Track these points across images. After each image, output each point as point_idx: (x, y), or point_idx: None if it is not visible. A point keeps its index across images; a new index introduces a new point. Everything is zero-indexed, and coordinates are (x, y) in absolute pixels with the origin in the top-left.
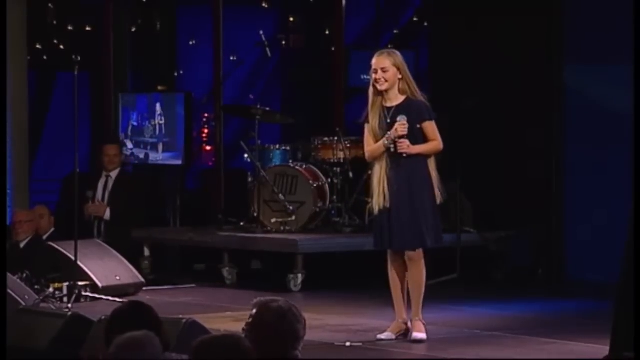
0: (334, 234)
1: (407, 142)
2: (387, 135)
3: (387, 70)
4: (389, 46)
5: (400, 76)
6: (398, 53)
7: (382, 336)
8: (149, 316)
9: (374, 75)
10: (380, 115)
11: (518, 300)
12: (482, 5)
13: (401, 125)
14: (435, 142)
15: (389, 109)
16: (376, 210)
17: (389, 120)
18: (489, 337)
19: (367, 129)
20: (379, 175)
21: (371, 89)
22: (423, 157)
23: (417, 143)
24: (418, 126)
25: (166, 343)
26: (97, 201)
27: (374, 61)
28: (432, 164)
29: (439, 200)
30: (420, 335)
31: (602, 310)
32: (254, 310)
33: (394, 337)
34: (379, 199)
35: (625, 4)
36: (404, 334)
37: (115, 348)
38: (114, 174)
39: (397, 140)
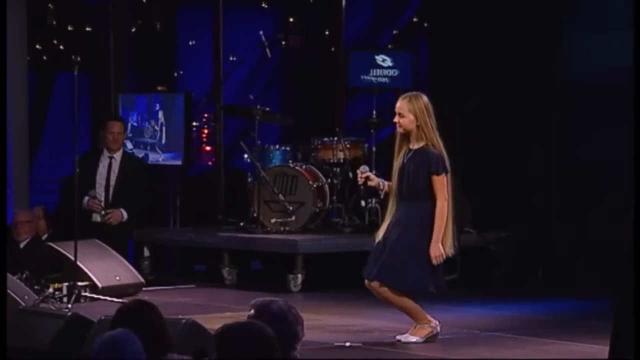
0: (334, 234)
1: (436, 249)
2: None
3: (403, 116)
4: (389, 46)
5: (417, 123)
6: (422, 98)
7: (402, 338)
8: (153, 315)
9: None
10: (402, 156)
11: (518, 301)
12: (482, 5)
13: (360, 174)
14: (437, 209)
15: (409, 151)
16: (377, 240)
17: (404, 161)
18: (489, 337)
19: None
20: (388, 209)
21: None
22: (429, 208)
23: (422, 194)
24: (426, 177)
25: (169, 343)
26: (100, 202)
27: (397, 103)
28: (447, 217)
29: (449, 252)
30: (409, 338)
31: (602, 311)
32: (252, 312)
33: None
34: (380, 230)
35: (624, 4)
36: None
37: (96, 348)
38: (117, 156)
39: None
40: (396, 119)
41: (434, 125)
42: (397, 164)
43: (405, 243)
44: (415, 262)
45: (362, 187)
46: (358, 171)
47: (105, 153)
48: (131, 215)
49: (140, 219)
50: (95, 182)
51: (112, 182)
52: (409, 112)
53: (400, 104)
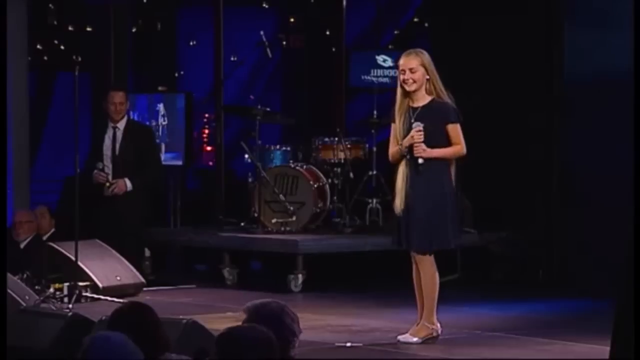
0: (335, 235)
1: (422, 146)
2: (402, 142)
3: (415, 71)
4: (390, 47)
5: (427, 77)
6: (425, 53)
7: (401, 338)
8: (148, 317)
9: (401, 76)
10: (405, 116)
11: (518, 301)
12: (482, 6)
13: (417, 132)
14: (458, 147)
15: (415, 109)
16: (398, 211)
17: (412, 121)
18: (490, 337)
19: (392, 129)
20: (401, 177)
21: (399, 89)
22: (444, 162)
23: (440, 145)
24: (442, 128)
25: (166, 344)
26: (106, 174)
27: (401, 61)
28: (452, 170)
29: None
30: (409, 338)
31: (603, 311)
32: (245, 316)
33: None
34: (400, 200)
35: (626, 3)
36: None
37: (86, 348)
38: (121, 125)
39: (413, 145)
40: (407, 76)
41: (440, 80)
42: (400, 123)
43: (429, 211)
44: (439, 222)
45: (417, 144)
46: (414, 127)
47: (109, 124)
48: (136, 185)
49: (149, 190)
50: (103, 155)
51: (116, 151)
52: (420, 65)
53: (407, 60)
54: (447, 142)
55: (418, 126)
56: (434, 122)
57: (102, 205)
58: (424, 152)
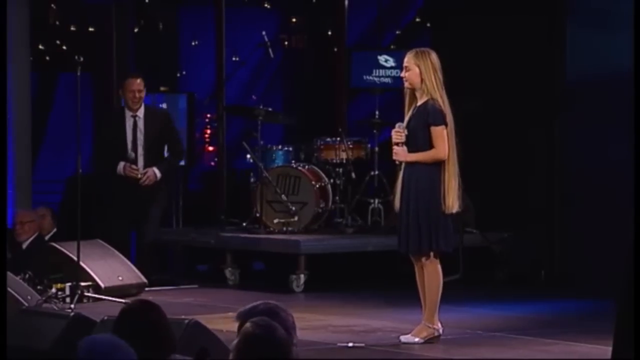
0: (337, 235)
1: (397, 149)
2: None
3: (408, 70)
4: (391, 47)
5: (422, 77)
6: (429, 53)
7: (403, 338)
8: (157, 316)
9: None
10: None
11: (520, 301)
12: (484, 6)
13: (395, 132)
14: (433, 151)
15: (415, 108)
16: (397, 209)
17: (410, 119)
18: (491, 337)
19: None
20: (400, 175)
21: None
22: (433, 165)
23: (422, 146)
24: (424, 130)
25: (172, 345)
26: (137, 168)
27: (405, 58)
28: (448, 171)
29: (452, 209)
30: (411, 339)
31: (604, 311)
32: (238, 324)
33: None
34: (397, 199)
35: (628, 3)
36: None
37: (83, 352)
38: (140, 113)
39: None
40: (402, 74)
41: (438, 82)
42: (405, 121)
43: (414, 211)
44: (425, 225)
45: (399, 144)
46: (396, 128)
47: (128, 113)
48: (164, 172)
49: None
50: (127, 148)
51: (141, 141)
52: (415, 65)
53: (407, 58)
54: (428, 144)
55: (399, 126)
56: (417, 123)
57: (129, 193)
58: (396, 155)
